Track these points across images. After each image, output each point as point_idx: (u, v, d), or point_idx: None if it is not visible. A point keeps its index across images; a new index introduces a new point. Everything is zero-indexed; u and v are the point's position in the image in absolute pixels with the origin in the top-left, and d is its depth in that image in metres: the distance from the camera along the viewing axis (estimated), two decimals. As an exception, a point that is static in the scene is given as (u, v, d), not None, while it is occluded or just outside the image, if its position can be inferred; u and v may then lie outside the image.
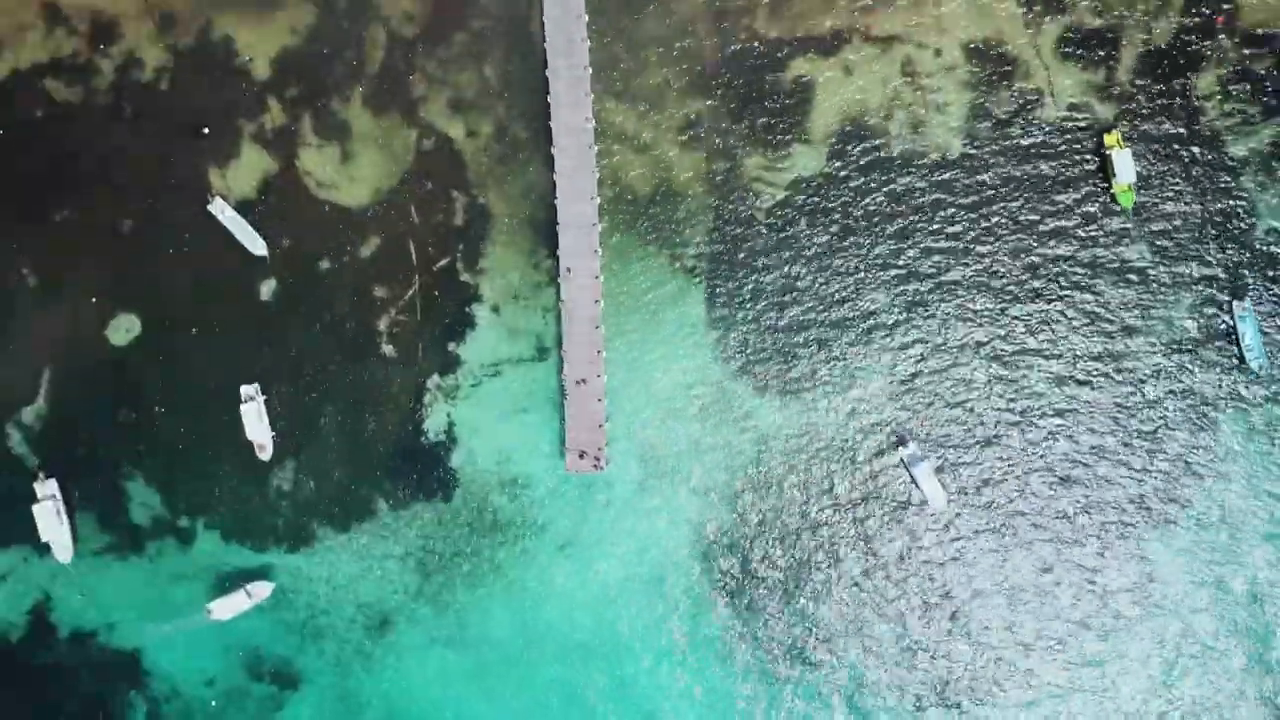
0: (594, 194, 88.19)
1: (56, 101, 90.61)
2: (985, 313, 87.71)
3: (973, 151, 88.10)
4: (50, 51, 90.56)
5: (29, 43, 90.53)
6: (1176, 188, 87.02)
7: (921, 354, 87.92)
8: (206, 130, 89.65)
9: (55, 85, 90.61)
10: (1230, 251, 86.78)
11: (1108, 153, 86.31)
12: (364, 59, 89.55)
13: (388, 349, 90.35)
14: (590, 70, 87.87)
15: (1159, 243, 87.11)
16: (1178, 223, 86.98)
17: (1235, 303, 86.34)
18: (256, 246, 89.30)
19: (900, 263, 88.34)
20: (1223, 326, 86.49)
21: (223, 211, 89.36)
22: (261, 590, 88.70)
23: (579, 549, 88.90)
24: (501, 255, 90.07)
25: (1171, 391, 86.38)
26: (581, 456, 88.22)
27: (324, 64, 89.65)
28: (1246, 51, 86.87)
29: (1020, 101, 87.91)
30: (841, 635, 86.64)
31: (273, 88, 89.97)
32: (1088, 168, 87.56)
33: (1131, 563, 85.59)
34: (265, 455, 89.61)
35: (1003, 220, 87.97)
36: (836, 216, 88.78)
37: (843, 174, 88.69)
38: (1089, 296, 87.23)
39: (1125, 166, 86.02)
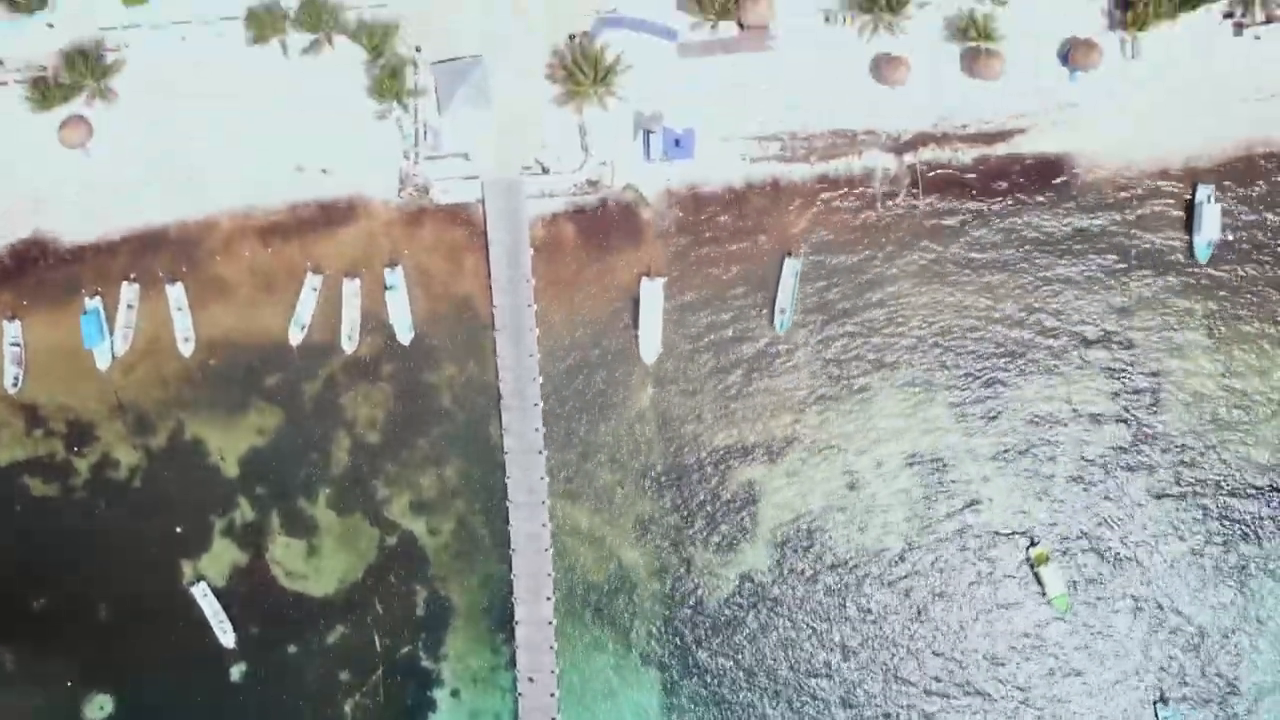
0: (549, 593, 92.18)
1: (34, 497, 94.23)
2: (927, 710, 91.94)
3: (911, 552, 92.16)
4: (28, 450, 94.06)
5: (6, 441, 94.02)
6: (1109, 594, 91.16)
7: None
8: (180, 529, 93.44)
9: (33, 482, 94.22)
10: (1159, 654, 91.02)
11: (1036, 569, 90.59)
12: (329, 461, 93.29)
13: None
14: (546, 479, 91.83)
15: (1091, 647, 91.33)
16: (1109, 629, 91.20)
17: (1159, 705, 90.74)
18: (226, 639, 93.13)
19: (845, 655, 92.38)
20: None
21: (204, 595, 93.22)
22: None
23: None
24: (461, 642, 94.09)
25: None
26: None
27: (291, 465, 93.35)
28: (1176, 465, 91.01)
29: (957, 507, 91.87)
30: None
31: (242, 486, 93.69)
32: (1025, 573, 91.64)
33: None
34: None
35: (941, 620, 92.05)
36: (783, 609, 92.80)
37: (788, 569, 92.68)
38: (1021, 696, 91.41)
39: (1054, 579, 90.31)
